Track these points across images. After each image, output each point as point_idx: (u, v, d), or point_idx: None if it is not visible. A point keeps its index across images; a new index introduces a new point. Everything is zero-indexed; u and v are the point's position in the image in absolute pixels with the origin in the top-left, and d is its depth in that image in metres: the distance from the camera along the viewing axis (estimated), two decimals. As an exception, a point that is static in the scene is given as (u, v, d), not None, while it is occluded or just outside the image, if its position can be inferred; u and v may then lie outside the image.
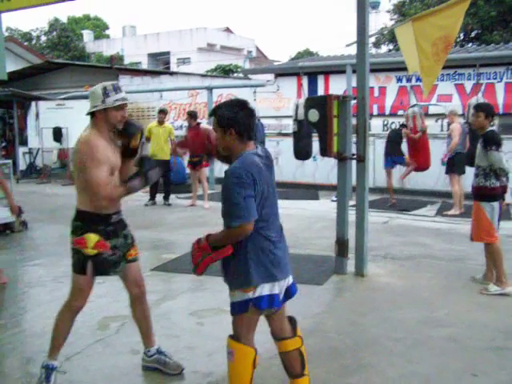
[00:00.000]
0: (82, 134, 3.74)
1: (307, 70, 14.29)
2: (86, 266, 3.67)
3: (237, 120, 3.07)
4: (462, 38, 26.55)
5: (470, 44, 25.54)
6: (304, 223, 9.78)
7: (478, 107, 5.94)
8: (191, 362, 4.23)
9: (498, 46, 16.15)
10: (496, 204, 5.82)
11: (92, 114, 3.74)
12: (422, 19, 6.21)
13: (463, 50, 16.30)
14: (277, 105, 15.30)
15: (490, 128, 5.90)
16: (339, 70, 13.21)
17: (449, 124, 10.96)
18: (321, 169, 13.63)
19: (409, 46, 6.25)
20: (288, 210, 10.93)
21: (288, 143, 12.29)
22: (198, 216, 10.65)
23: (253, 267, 3.14)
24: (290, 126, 13.02)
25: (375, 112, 13.56)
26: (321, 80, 14.78)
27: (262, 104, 15.06)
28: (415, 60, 6.21)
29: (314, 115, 6.02)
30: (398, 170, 11.74)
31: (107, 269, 3.76)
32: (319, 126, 6.04)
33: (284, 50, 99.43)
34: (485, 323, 4.94)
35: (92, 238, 3.66)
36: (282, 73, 15.71)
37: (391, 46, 29.19)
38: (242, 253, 3.15)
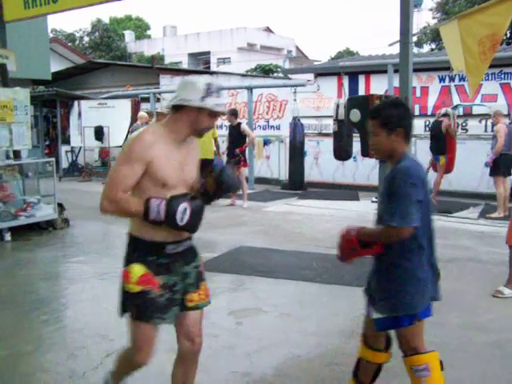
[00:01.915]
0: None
1: (348, 69, 14.18)
2: (130, 308, 2.94)
3: (406, 119, 2.99)
4: (508, 35, 25.97)
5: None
6: (344, 224, 9.58)
7: None
8: (230, 361, 4.23)
9: (545, 45, 15.73)
10: None
11: (175, 108, 2.91)
12: (469, 17, 6.08)
13: (510, 49, 15.91)
14: (317, 105, 15.20)
15: None
16: (380, 70, 13.04)
17: (493, 125, 10.72)
18: (361, 169, 13.50)
19: (454, 44, 6.12)
20: (328, 210, 10.87)
21: (328, 143, 12.24)
22: (237, 215, 10.67)
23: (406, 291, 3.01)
24: (330, 125, 12.94)
25: (417, 112, 13.34)
26: (361, 80, 14.62)
27: (302, 104, 14.99)
28: (460, 59, 6.07)
29: (355, 115, 5.97)
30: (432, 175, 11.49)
31: (151, 313, 2.90)
32: (361, 126, 5.98)
33: (324, 50, 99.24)
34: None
35: (136, 270, 2.88)
36: (322, 72, 15.61)
37: (433, 45, 28.79)
38: (398, 276, 3.02)
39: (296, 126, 14.05)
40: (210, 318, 5.18)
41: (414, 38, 29.18)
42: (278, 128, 15.72)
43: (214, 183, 3.09)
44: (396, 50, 6.21)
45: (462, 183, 12.37)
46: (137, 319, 2.92)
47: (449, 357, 4.28)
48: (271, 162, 15.62)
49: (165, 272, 2.93)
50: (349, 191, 13.47)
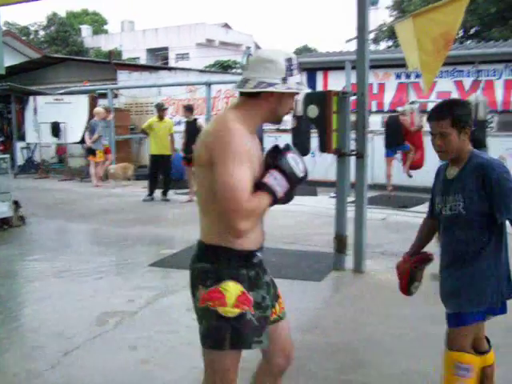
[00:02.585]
0: (221, 115, 2.49)
1: (306, 65, 14.27)
2: (225, 336, 2.36)
3: (471, 118, 3.00)
4: (461, 34, 26.54)
5: (469, 41, 25.51)
6: (302, 219, 9.77)
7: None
8: (190, 357, 4.22)
9: (497, 44, 16.15)
10: None
11: (249, 93, 2.38)
12: (423, 15, 6.17)
13: (462, 47, 16.28)
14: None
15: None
16: (338, 67, 13.21)
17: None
18: (319, 165, 13.59)
19: (409, 42, 6.21)
20: (286, 206, 10.90)
21: (286, 139, 12.25)
22: (196, 211, 10.61)
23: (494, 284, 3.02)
24: (288, 121, 12.99)
25: (374, 108, 13.54)
26: (320, 76, 14.77)
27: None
28: (415, 56, 6.17)
29: (313, 111, 6.00)
30: (397, 167, 11.71)
31: (250, 338, 2.40)
32: (318, 122, 6.02)
33: (283, 47, 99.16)
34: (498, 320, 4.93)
35: (232, 288, 2.35)
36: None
37: (390, 43, 29.19)
38: (486, 267, 2.99)
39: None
40: (170, 314, 5.19)
41: (371, 35, 29.63)
42: (237, 124, 15.69)
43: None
44: (354, 47, 6.28)
45: (418, 178, 12.59)
46: (232, 348, 2.39)
47: (405, 348, 4.39)
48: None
49: (253, 287, 2.44)
50: (307, 187, 13.54)
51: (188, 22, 48.82)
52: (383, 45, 30.71)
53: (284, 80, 2.35)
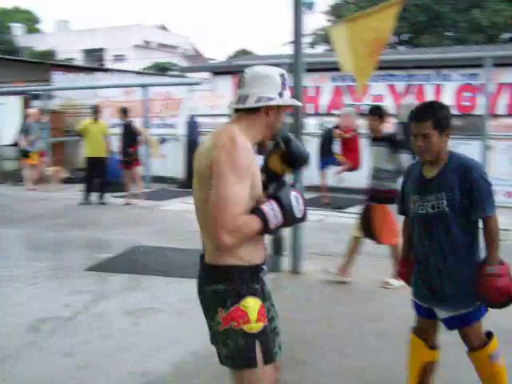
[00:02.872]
0: (223, 129, 2.41)
1: (242, 69, 14.30)
2: (256, 352, 2.35)
3: (451, 120, 3.07)
4: (395, 40, 27.26)
5: (401, 46, 26.24)
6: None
7: (373, 111, 5.95)
8: (127, 362, 4.19)
9: (427, 50, 16.70)
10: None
11: (247, 109, 2.42)
12: (356, 21, 6.34)
13: (395, 52, 16.74)
14: (213, 103, 15.27)
15: (389, 131, 6.04)
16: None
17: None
18: (258, 167, 13.69)
19: (343, 46, 6.37)
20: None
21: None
22: (133, 215, 10.54)
23: None
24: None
25: (310, 111, 13.71)
26: (257, 79, 14.86)
27: (198, 102, 15.01)
28: (349, 60, 6.33)
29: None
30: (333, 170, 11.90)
31: (274, 349, 2.45)
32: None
33: (222, 49, 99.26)
34: (413, 319, 5.08)
35: (253, 304, 2.35)
36: (218, 71, 15.72)
37: (327, 47, 29.64)
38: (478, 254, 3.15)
39: (192, 125, 14.05)
40: (106, 318, 5.13)
41: (308, 39, 30.04)
42: (174, 126, 15.64)
43: (281, 160, 2.65)
44: (290, 50, 6.36)
45: (353, 180, 12.83)
46: (265, 362, 2.38)
47: (341, 347, 4.48)
48: (167, 161, 15.49)
49: (264, 299, 2.46)
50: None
51: (124, 23, 48.23)
52: (320, 48, 31.15)
53: (280, 94, 2.42)
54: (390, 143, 5.78)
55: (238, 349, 2.34)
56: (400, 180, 5.79)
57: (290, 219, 2.39)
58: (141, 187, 12.09)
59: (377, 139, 5.88)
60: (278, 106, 2.44)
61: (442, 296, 3.11)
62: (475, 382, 3.24)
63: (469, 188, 2.95)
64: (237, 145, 2.26)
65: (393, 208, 5.79)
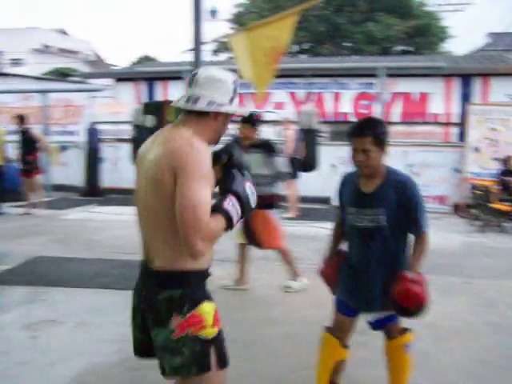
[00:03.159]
0: (174, 133, 2.34)
1: (145, 75, 14.26)
2: (211, 357, 2.33)
3: (389, 136, 3.15)
4: (296, 49, 27.88)
5: (302, 55, 26.87)
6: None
7: (247, 119, 5.97)
8: (24, 378, 4.04)
9: (326, 59, 17.23)
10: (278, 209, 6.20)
11: (198, 112, 2.37)
12: (255, 30, 6.44)
13: (296, 61, 17.14)
14: (115, 110, 15.01)
15: (261, 138, 6.18)
16: (177, 77, 13.28)
17: (283, 131, 11.45)
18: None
19: (243, 54, 6.44)
20: (127, 216, 10.74)
21: (126, 149, 12.12)
22: (33, 225, 10.17)
23: None
24: (127, 131, 12.85)
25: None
26: (159, 86, 14.77)
27: (100, 109, 14.73)
28: (249, 68, 6.42)
29: (150, 120, 6.02)
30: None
31: (227, 353, 2.44)
32: (155, 131, 6.02)
33: (125, 55, 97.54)
34: (317, 320, 5.21)
35: (208, 309, 2.34)
36: (120, 78, 15.48)
37: (230, 54, 29.87)
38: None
39: (93, 132, 13.75)
40: (3, 333, 4.92)
41: (211, 47, 30.16)
42: (75, 134, 15.24)
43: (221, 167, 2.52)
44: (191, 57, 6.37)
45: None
46: (220, 366, 2.37)
47: (245, 352, 4.52)
48: (68, 169, 15.05)
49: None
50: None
51: (21, 26, 46.41)
52: (224, 56, 31.33)
53: (231, 101, 2.40)
54: (264, 149, 5.88)
55: (193, 355, 2.28)
56: (279, 184, 6.02)
57: (247, 211, 2.39)
58: (41, 196, 11.69)
59: (251, 146, 5.91)
60: (227, 113, 2.41)
61: (374, 302, 3.27)
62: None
63: (406, 205, 3.10)
64: (199, 151, 2.23)
65: (274, 212, 6.01)
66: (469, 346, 4.77)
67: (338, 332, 3.44)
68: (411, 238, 3.31)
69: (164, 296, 2.29)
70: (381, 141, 3.06)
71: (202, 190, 2.19)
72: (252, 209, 2.43)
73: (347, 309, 3.41)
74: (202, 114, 2.36)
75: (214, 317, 2.36)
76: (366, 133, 3.04)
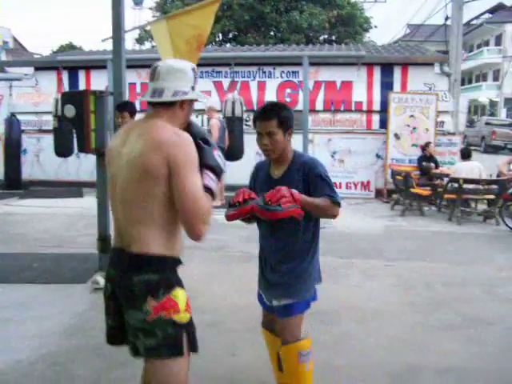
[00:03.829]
0: (151, 123, 2.45)
1: (67, 64, 13.89)
2: (183, 341, 2.43)
3: (293, 120, 3.14)
4: (220, 38, 27.81)
5: (227, 44, 26.85)
6: (68, 221, 9.50)
7: (122, 107, 5.90)
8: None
9: (251, 48, 17.27)
10: None
11: (165, 103, 2.49)
12: (176, 18, 6.40)
13: (220, 50, 17.12)
14: (36, 100, 14.55)
15: None
16: (101, 65, 13.02)
17: (208, 119, 11.44)
18: (84, 166, 13.25)
19: (164, 43, 6.39)
20: (51, 208, 10.54)
21: (49, 140, 11.80)
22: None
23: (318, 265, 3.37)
24: (50, 122, 12.51)
25: (138, 108, 13.57)
26: (82, 75, 14.41)
27: (20, 99, 14.27)
28: (171, 57, 6.37)
29: (70, 111, 5.87)
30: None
31: (196, 340, 2.53)
32: (76, 121, 5.91)
33: (46, 43, 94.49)
34: (241, 307, 5.28)
35: (181, 294, 2.44)
36: (41, 66, 14.98)
37: (154, 43, 29.48)
38: (315, 251, 3.29)
39: (12, 123, 13.29)
40: None
41: (135, 35, 29.69)
42: (-7, 124, 14.72)
43: None
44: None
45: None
46: (191, 351, 2.48)
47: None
48: (-14, 162, 14.56)
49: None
50: (73, 188, 13.17)
51: None
52: (148, 44, 30.94)
53: (193, 88, 2.53)
54: None
55: (166, 338, 2.37)
56: None
57: (221, 178, 2.59)
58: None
59: None
60: (190, 100, 2.54)
61: (275, 282, 3.22)
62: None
63: (312, 183, 3.07)
64: (187, 140, 2.37)
65: None
66: (390, 325, 4.94)
67: (269, 325, 3.45)
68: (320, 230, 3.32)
69: (140, 279, 2.37)
70: (286, 124, 3.08)
71: (198, 178, 2.38)
72: (223, 173, 2.60)
73: (262, 302, 3.43)
74: (169, 105, 2.48)
75: (187, 303, 2.45)
76: (270, 116, 3.06)
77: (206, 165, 2.48)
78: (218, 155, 2.54)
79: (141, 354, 2.48)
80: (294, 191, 2.91)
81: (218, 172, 2.52)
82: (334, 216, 3.10)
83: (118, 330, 2.57)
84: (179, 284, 2.46)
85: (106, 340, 2.67)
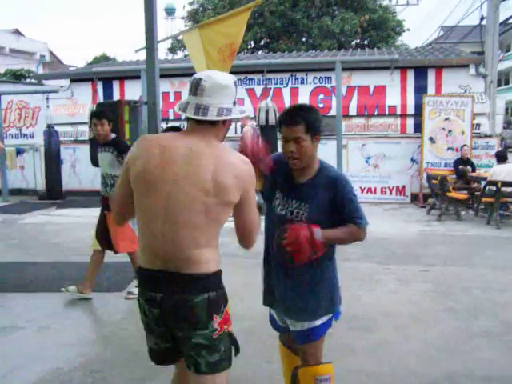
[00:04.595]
0: (214, 145, 2.41)
1: (101, 75, 14.08)
2: (232, 351, 2.50)
3: (322, 124, 2.86)
4: (252, 45, 27.89)
5: (259, 51, 26.91)
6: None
7: (101, 114, 5.74)
8: None
9: (283, 54, 17.29)
10: None
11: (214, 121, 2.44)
12: (208, 27, 6.45)
13: (253, 57, 17.18)
14: (72, 111, 14.82)
15: (114, 135, 5.83)
16: (134, 76, 13.19)
17: (242, 127, 11.48)
18: (120, 175, 13.43)
19: (197, 52, 6.44)
20: (86, 218, 10.66)
21: (85, 150, 12.00)
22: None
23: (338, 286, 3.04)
24: (86, 132, 12.72)
25: (171, 117, 13.70)
26: (116, 85, 14.64)
27: (57, 111, 14.53)
28: (204, 65, 6.41)
29: (105, 121, 5.95)
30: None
31: (238, 345, 2.56)
32: (113, 131, 5.99)
33: (80, 55, 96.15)
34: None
35: (229, 305, 2.51)
36: (76, 78, 15.27)
37: (187, 52, 29.70)
38: (332, 270, 2.98)
39: (51, 134, 13.56)
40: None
41: (167, 45, 29.98)
42: (32, 136, 15.03)
43: None
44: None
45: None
46: (236, 355, 2.54)
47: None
48: (26, 172, 14.86)
49: None
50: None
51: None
52: (180, 54, 31.18)
53: (234, 104, 2.46)
54: (115, 147, 5.63)
55: (226, 351, 2.43)
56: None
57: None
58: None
59: (104, 144, 5.70)
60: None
61: (288, 297, 2.94)
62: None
63: (340, 205, 2.79)
64: (251, 166, 2.44)
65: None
66: (427, 332, 4.87)
67: (286, 341, 3.27)
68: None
69: (201, 298, 2.34)
70: (314, 128, 2.76)
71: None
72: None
73: (275, 323, 3.22)
74: (214, 123, 2.42)
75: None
76: (297, 120, 2.74)
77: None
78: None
79: (201, 371, 2.41)
80: (316, 234, 2.68)
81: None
82: (359, 240, 2.88)
83: (171, 351, 2.53)
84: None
85: (153, 361, 2.63)
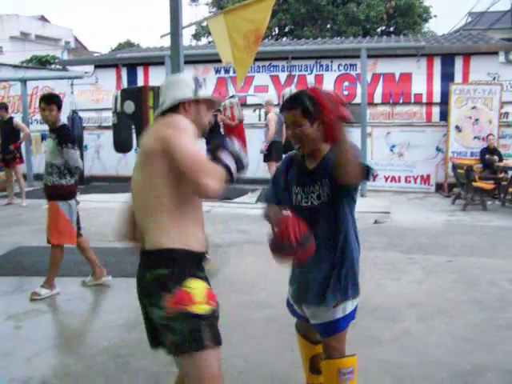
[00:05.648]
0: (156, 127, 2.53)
1: (125, 61, 14.10)
2: (203, 334, 2.33)
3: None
4: (277, 32, 27.73)
5: (283, 38, 26.75)
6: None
7: (50, 99, 5.55)
8: (8, 369, 4.02)
9: (308, 41, 17.14)
10: (73, 202, 5.61)
11: (171, 109, 2.55)
12: (233, 13, 6.40)
13: (277, 44, 17.06)
14: (96, 97, 14.89)
15: (63, 122, 5.67)
16: (158, 62, 13.19)
17: (266, 114, 11.42)
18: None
19: (222, 38, 6.40)
20: (110, 203, 10.72)
21: (109, 136, 12.05)
22: (16, 214, 10.13)
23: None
24: (109, 118, 12.75)
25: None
26: (140, 71, 14.65)
27: (81, 96, 14.61)
28: (228, 52, 6.38)
29: (129, 107, 5.96)
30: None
31: (219, 332, 2.44)
32: (135, 117, 5.99)
33: (105, 41, 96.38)
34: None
35: (197, 285, 2.36)
36: (100, 64, 15.32)
37: (211, 38, 29.65)
38: (354, 257, 2.92)
39: (74, 120, 13.61)
40: (-16, 325, 4.88)
41: (191, 31, 29.96)
42: (56, 122, 15.12)
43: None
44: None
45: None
46: (213, 343, 2.36)
47: (230, 336, 4.51)
48: (51, 158, 14.98)
49: (209, 284, 2.50)
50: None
51: (-3, 13, 45.65)
52: (204, 40, 31.13)
53: (195, 92, 2.58)
54: (57, 135, 5.42)
55: (185, 332, 2.31)
56: (70, 176, 5.44)
57: (241, 166, 2.49)
58: (23, 186, 11.54)
59: (51, 130, 5.51)
60: (197, 102, 2.59)
61: (316, 293, 2.92)
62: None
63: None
64: (182, 119, 2.44)
65: (64, 204, 5.51)
66: (452, 323, 4.80)
67: (302, 331, 3.28)
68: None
69: (152, 275, 2.35)
70: (310, 112, 2.74)
71: (193, 143, 2.35)
72: (245, 166, 2.53)
73: (293, 310, 3.23)
74: (174, 112, 2.53)
75: (207, 295, 2.37)
76: (294, 105, 2.79)
77: (221, 145, 2.48)
78: (237, 144, 2.53)
79: (170, 351, 2.42)
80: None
81: (233, 154, 2.46)
82: (356, 178, 2.68)
83: (153, 332, 2.53)
84: (194, 276, 2.38)
85: (150, 345, 2.61)
